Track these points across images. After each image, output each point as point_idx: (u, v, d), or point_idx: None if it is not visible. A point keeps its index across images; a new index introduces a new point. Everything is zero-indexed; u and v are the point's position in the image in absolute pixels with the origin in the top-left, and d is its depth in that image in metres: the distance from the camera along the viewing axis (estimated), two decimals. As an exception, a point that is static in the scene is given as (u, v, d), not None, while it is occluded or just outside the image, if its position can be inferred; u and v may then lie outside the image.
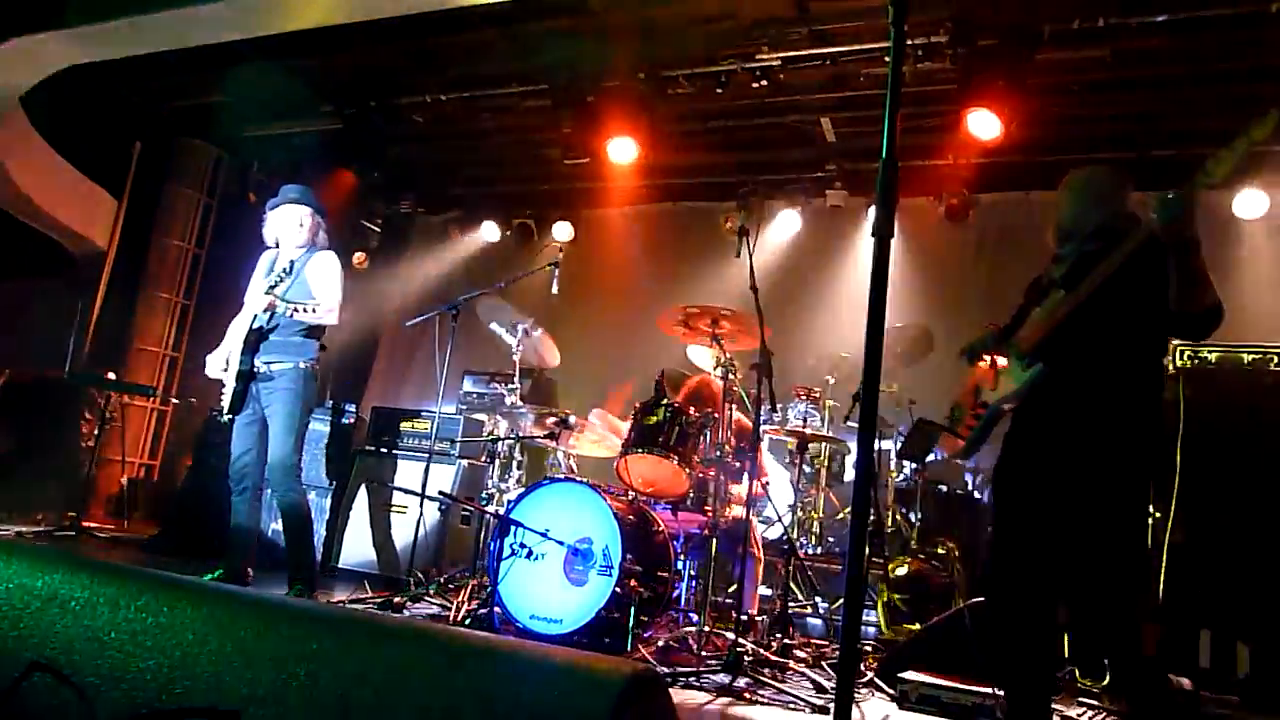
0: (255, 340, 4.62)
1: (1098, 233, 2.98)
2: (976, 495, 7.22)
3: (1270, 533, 4.48)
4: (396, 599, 4.91)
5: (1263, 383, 4.81)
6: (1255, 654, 4.48)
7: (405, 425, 6.48)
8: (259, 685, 1.06)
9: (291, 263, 4.69)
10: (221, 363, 4.73)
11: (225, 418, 4.74)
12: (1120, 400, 2.77)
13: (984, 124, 5.70)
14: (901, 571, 5.36)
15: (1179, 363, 5.04)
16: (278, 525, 5.91)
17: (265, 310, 4.54)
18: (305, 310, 4.48)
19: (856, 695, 3.91)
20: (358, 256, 8.97)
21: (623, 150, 6.73)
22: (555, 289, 5.43)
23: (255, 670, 1.07)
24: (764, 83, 6.24)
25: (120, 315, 8.12)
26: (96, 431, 6.81)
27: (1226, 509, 4.26)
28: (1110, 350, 2.80)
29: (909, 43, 5.73)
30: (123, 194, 8.16)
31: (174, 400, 7.78)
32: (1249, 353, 4.81)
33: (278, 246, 4.85)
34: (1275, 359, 4.92)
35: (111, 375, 7.09)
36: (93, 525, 6.77)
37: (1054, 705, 4.00)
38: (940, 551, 5.63)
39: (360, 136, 7.33)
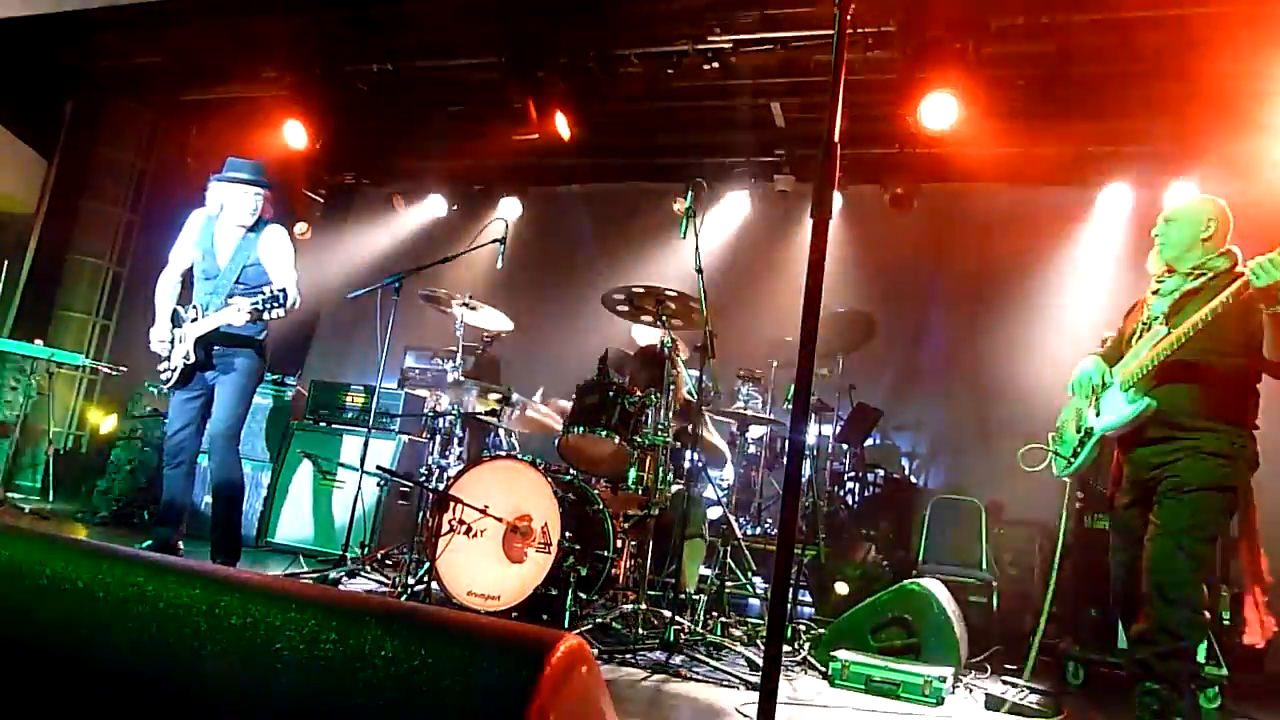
0: (211, 339, 4.51)
1: (1197, 269, 3.23)
2: (913, 479, 7.39)
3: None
4: (332, 574, 4.86)
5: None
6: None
7: (345, 399, 6.39)
8: (178, 653, 1.04)
9: (240, 241, 4.59)
10: (165, 335, 4.61)
11: (167, 390, 4.63)
12: (1218, 436, 3.08)
13: (930, 114, 5.77)
14: (837, 552, 5.46)
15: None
16: (209, 497, 5.81)
17: (246, 320, 4.38)
18: (282, 308, 4.33)
19: (790, 673, 3.98)
20: (300, 227, 8.78)
21: (570, 127, 6.68)
22: (500, 264, 5.37)
23: (175, 638, 1.05)
24: (715, 65, 6.24)
25: (48, 281, 7.85)
26: (23, 400, 6.60)
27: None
28: (1210, 389, 3.10)
29: (859, 30, 5.77)
30: (53, 155, 7.87)
31: (104, 369, 7.55)
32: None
33: (219, 210, 4.71)
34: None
35: (39, 342, 6.86)
36: (18, 497, 6.57)
37: (977, 682, 4.13)
38: (875, 533, 5.74)
39: (303, 104, 7.15)
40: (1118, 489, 3.42)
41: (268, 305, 4.29)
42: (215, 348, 4.55)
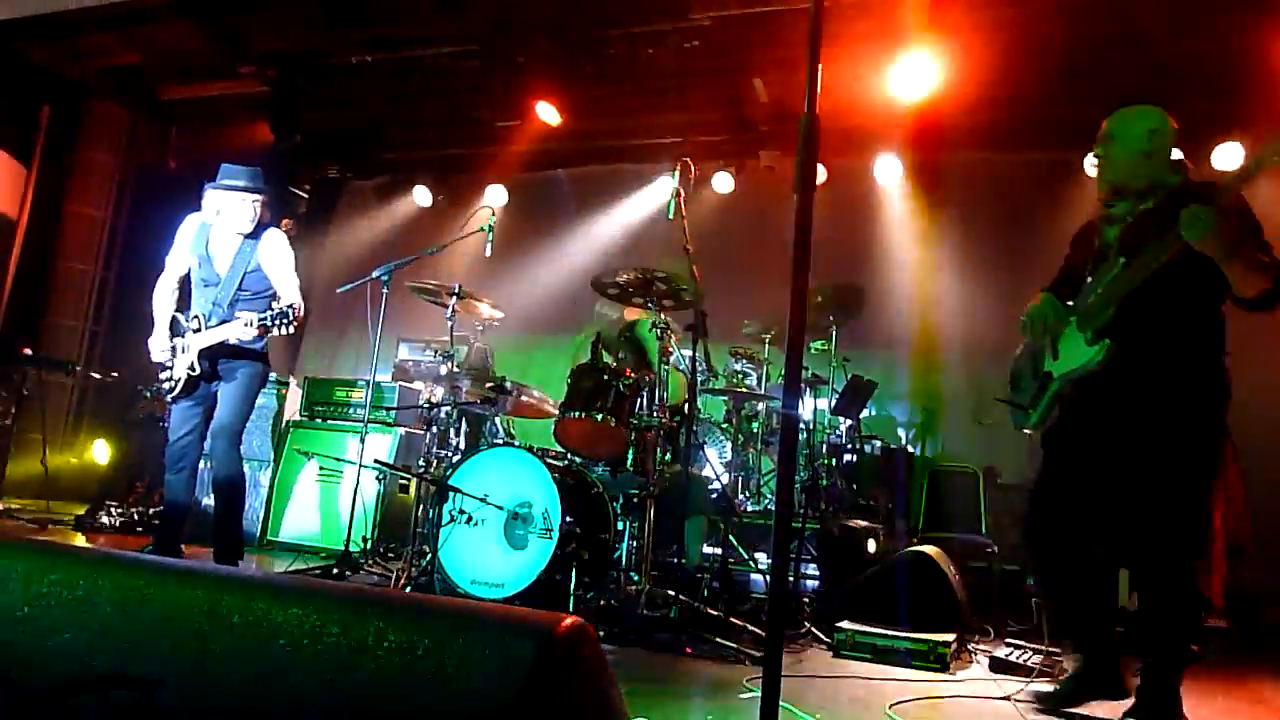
0: (215, 351, 4.47)
1: (1149, 190, 2.96)
2: (910, 449, 7.41)
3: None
4: (335, 569, 4.86)
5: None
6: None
7: (340, 395, 6.38)
8: (182, 654, 1.05)
9: (239, 247, 4.55)
10: (165, 346, 4.57)
11: (170, 400, 4.61)
12: (1187, 375, 2.83)
13: (911, 82, 5.75)
14: (838, 524, 5.48)
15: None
16: (209, 500, 5.80)
17: (254, 336, 4.36)
18: (291, 324, 4.28)
19: (794, 645, 4.01)
20: (285, 223, 8.72)
21: (553, 111, 6.65)
22: (489, 252, 5.36)
23: (177, 639, 1.05)
24: (696, 43, 6.21)
25: (34, 288, 7.80)
26: (14, 410, 6.58)
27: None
28: (1177, 325, 2.83)
29: (839, 2, 5.75)
30: (32, 161, 7.81)
31: (95, 375, 7.52)
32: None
33: (215, 216, 4.62)
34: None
35: (28, 351, 6.83)
36: (14, 506, 6.56)
37: (981, 645, 4.16)
38: (874, 504, 5.77)
39: (283, 99, 7.10)
40: (1061, 425, 3.08)
41: (276, 321, 4.25)
42: (220, 359, 4.52)
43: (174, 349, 4.55)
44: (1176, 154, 3.06)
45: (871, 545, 5.36)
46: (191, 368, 4.47)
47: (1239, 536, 3.07)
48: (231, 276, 4.54)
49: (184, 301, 4.72)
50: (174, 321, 4.61)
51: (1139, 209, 2.96)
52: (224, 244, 4.60)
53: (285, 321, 4.26)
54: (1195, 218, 2.56)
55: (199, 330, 4.48)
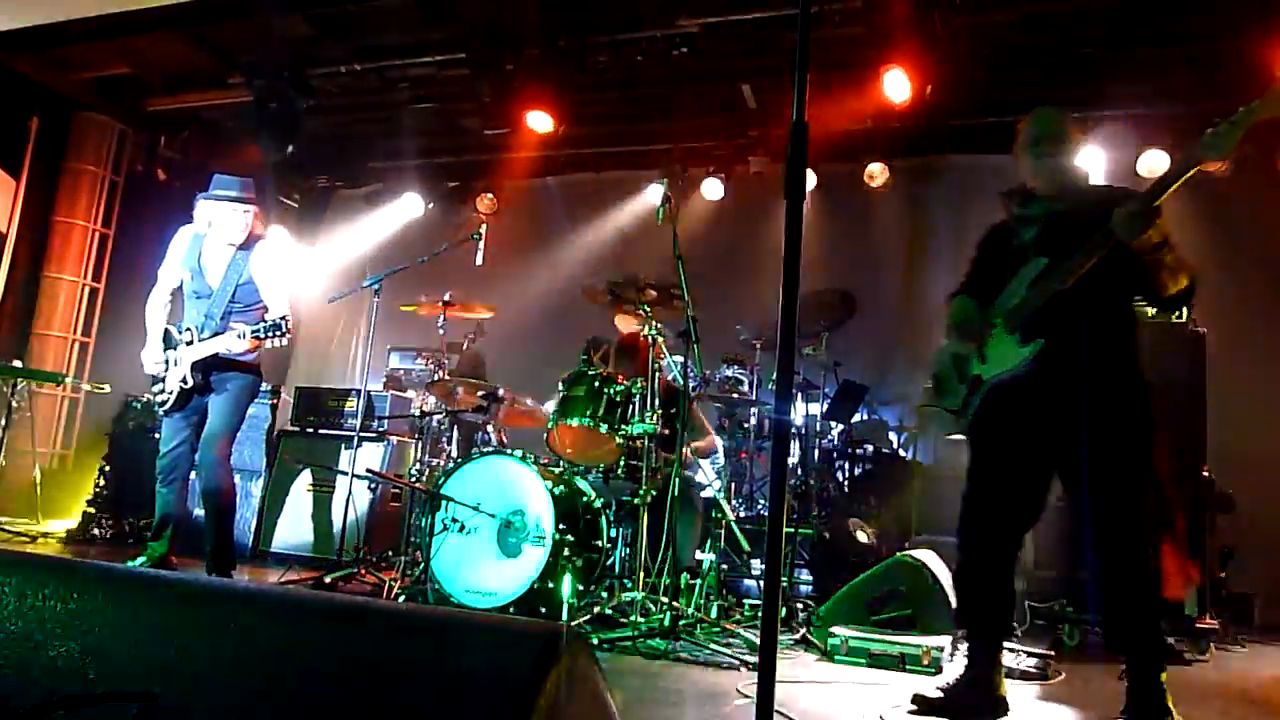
0: (208, 363, 4.46)
1: (1061, 191, 3.00)
2: (902, 453, 7.43)
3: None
4: (328, 579, 4.85)
5: (1166, 332, 5.10)
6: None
7: (331, 404, 6.37)
8: (176, 667, 1.04)
9: (231, 259, 4.55)
10: (159, 358, 4.56)
11: (162, 413, 4.59)
12: (1117, 371, 2.86)
13: (899, 88, 5.79)
14: (831, 530, 5.50)
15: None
16: (200, 511, 5.79)
17: (246, 348, 4.35)
18: (283, 336, 4.28)
19: (789, 651, 4.01)
20: (277, 231, 8.73)
21: (543, 119, 6.66)
22: (480, 260, 5.36)
23: (172, 652, 1.05)
24: (684, 50, 6.23)
25: (24, 300, 7.76)
26: (4, 422, 6.54)
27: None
28: (1103, 321, 2.86)
29: (826, 8, 5.77)
30: (20, 172, 7.78)
31: (85, 387, 7.48)
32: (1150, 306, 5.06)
33: (207, 228, 4.62)
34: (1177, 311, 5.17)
35: (17, 363, 6.80)
36: (5, 520, 6.52)
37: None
38: (867, 508, 5.78)
39: (272, 109, 7.09)
40: (990, 426, 3.07)
41: (269, 333, 4.25)
42: (212, 371, 4.50)
43: (167, 361, 4.54)
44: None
45: (862, 536, 5.38)
46: (184, 380, 4.46)
47: (1176, 525, 3.04)
48: (224, 288, 4.53)
49: (176, 314, 4.71)
50: (166, 334, 4.61)
51: (1053, 210, 2.99)
52: (216, 256, 4.59)
53: (278, 333, 4.26)
54: (1132, 218, 2.61)
55: (191, 343, 4.47)
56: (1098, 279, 2.79)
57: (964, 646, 3.05)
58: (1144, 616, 2.80)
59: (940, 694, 3.00)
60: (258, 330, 4.25)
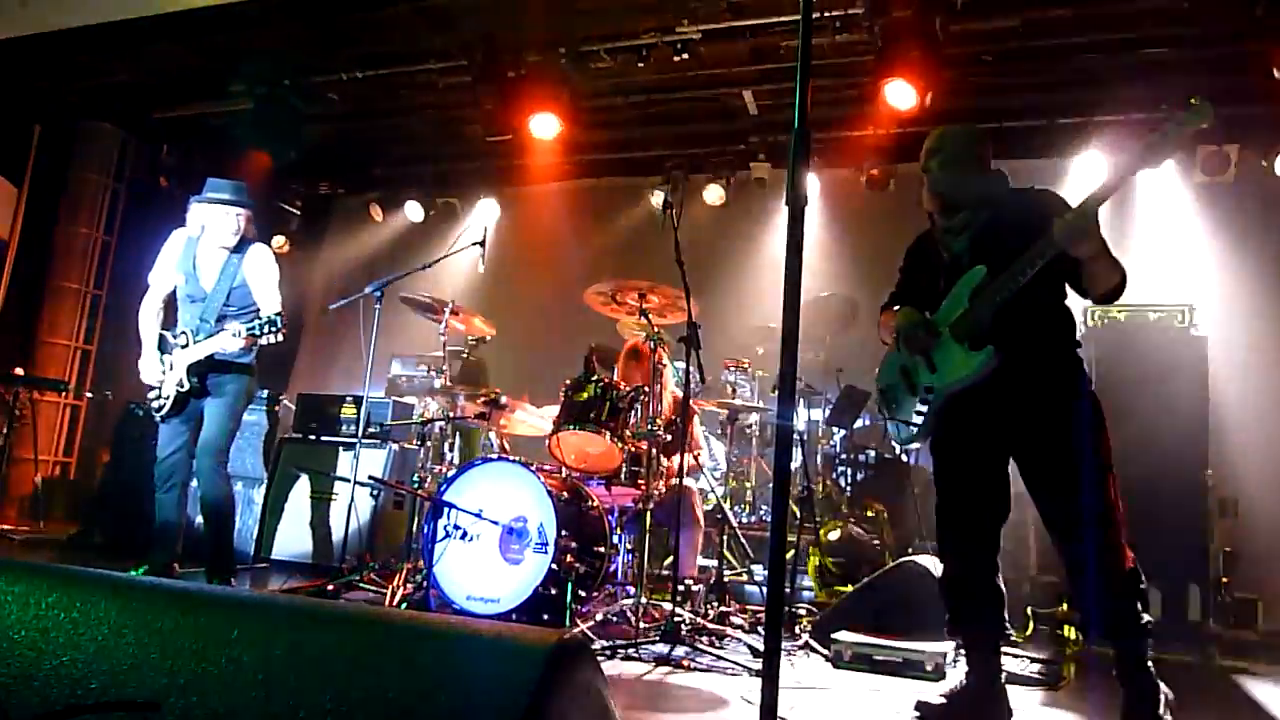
0: (203, 366, 4.46)
1: (982, 200, 3.05)
2: (904, 459, 7.41)
3: (1172, 473, 4.76)
4: (330, 586, 4.85)
5: (1169, 336, 5.12)
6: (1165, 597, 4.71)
7: (333, 411, 6.37)
8: (179, 675, 1.04)
9: (225, 262, 4.55)
10: (156, 366, 4.55)
11: (159, 419, 4.59)
12: (1065, 367, 2.95)
13: (901, 94, 5.80)
14: (833, 536, 5.49)
15: (1090, 323, 5.28)
16: (200, 518, 5.79)
17: (241, 347, 4.34)
18: (279, 332, 4.26)
19: (792, 657, 4.00)
20: (277, 241, 8.75)
21: (545, 126, 6.67)
22: (482, 267, 5.36)
23: (174, 660, 1.05)
24: (685, 56, 6.24)
25: (27, 308, 7.78)
26: (6, 430, 6.55)
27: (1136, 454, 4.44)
28: (1046, 323, 2.97)
29: (827, 14, 5.79)
30: (23, 181, 7.80)
31: (88, 394, 7.49)
32: (1153, 311, 5.11)
33: (200, 231, 4.63)
34: (1179, 316, 5.19)
35: (20, 371, 6.80)
36: (7, 527, 6.52)
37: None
38: (870, 514, 5.77)
39: (274, 117, 7.11)
40: (950, 433, 3.11)
41: (264, 330, 4.23)
42: (208, 374, 4.50)
43: (164, 367, 4.54)
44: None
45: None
46: (180, 384, 4.46)
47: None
48: (218, 291, 4.52)
49: (170, 319, 4.70)
50: (161, 340, 4.60)
51: (980, 218, 3.04)
52: (210, 259, 4.59)
53: (273, 330, 4.24)
54: (1073, 228, 2.66)
55: (186, 346, 4.47)
56: (1038, 282, 2.84)
57: (963, 655, 3.06)
58: (1126, 597, 2.81)
59: (944, 700, 3.00)
60: (253, 328, 4.23)
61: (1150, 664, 2.78)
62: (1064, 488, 2.86)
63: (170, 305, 4.73)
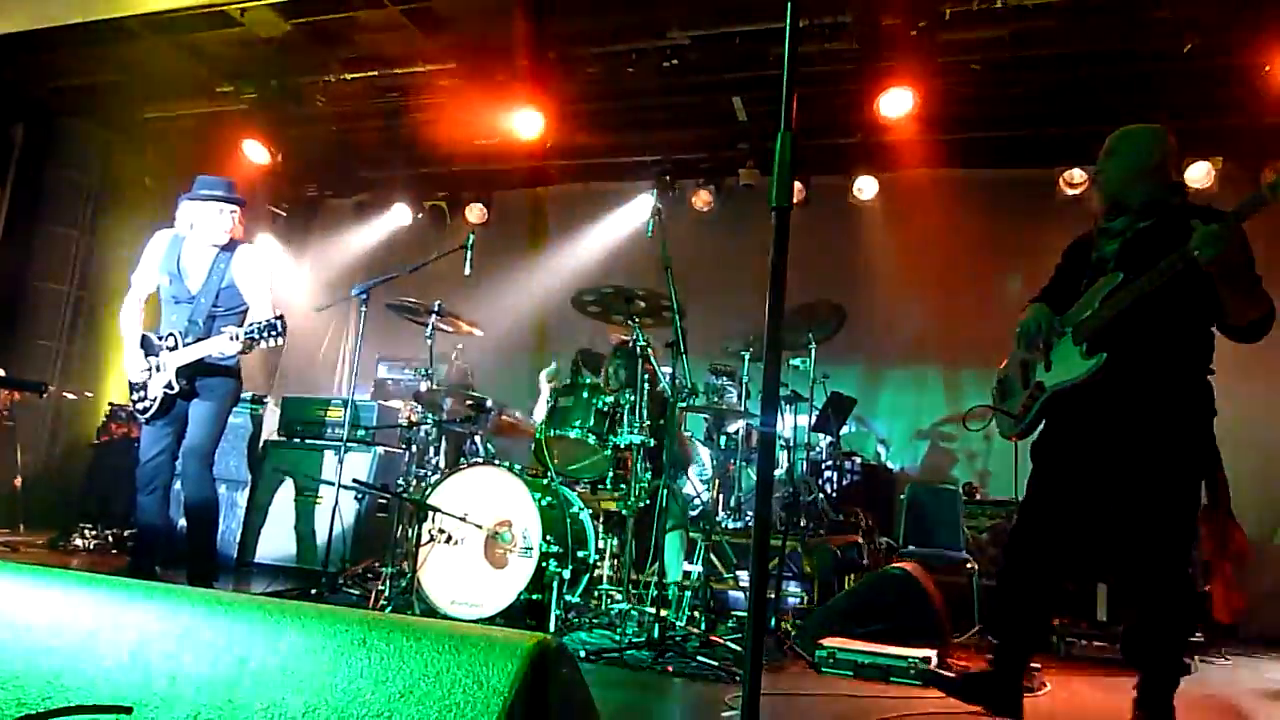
0: (193, 368, 4.35)
1: (1148, 207, 2.96)
2: (889, 466, 7.44)
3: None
4: (314, 590, 4.81)
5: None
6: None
7: (318, 414, 6.33)
8: (154, 677, 1.03)
9: (213, 262, 4.46)
10: (141, 366, 4.45)
11: (144, 420, 4.49)
12: (1179, 391, 2.85)
13: (888, 101, 5.83)
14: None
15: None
16: (184, 520, 5.74)
17: (238, 351, 4.24)
18: (279, 337, 4.15)
19: (776, 663, 4.00)
20: (266, 240, 8.71)
21: (533, 130, 6.67)
22: (469, 270, 5.34)
23: (151, 661, 1.04)
24: (674, 62, 6.25)
25: (8, 309, 7.71)
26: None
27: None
28: (1171, 342, 2.85)
29: (815, 22, 5.81)
30: (5, 181, 7.74)
31: (69, 395, 7.43)
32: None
33: (189, 230, 4.51)
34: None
35: (0, 371, 6.74)
36: (-14, 529, 6.46)
37: (963, 661, 4.17)
38: (855, 520, 5.78)
39: (260, 118, 7.08)
40: (1053, 438, 3.09)
41: (264, 334, 4.12)
42: (198, 376, 4.40)
43: (149, 368, 4.48)
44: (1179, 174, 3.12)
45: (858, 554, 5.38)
46: (169, 386, 4.36)
47: (1233, 548, 3.07)
48: (206, 292, 4.42)
49: (151, 321, 4.62)
50: (145, 340, 4.48)
51: (1138, 225, 2.97)
52: (197, 259, 4.49)
53: (274, 333, 4.13)
54: (1212, 236, 2.56)
55: (175, 348, 4.36)
56: (1171, 299, 2.76)
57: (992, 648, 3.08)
58: (1173, 636, 2.81)
59: (957, 677, 3.03)
60: (251, 331, 4.14)
61: (1173, 702, 2.77)
62: (1143, 513, 2.80)
63: (150, 306, 4.65)
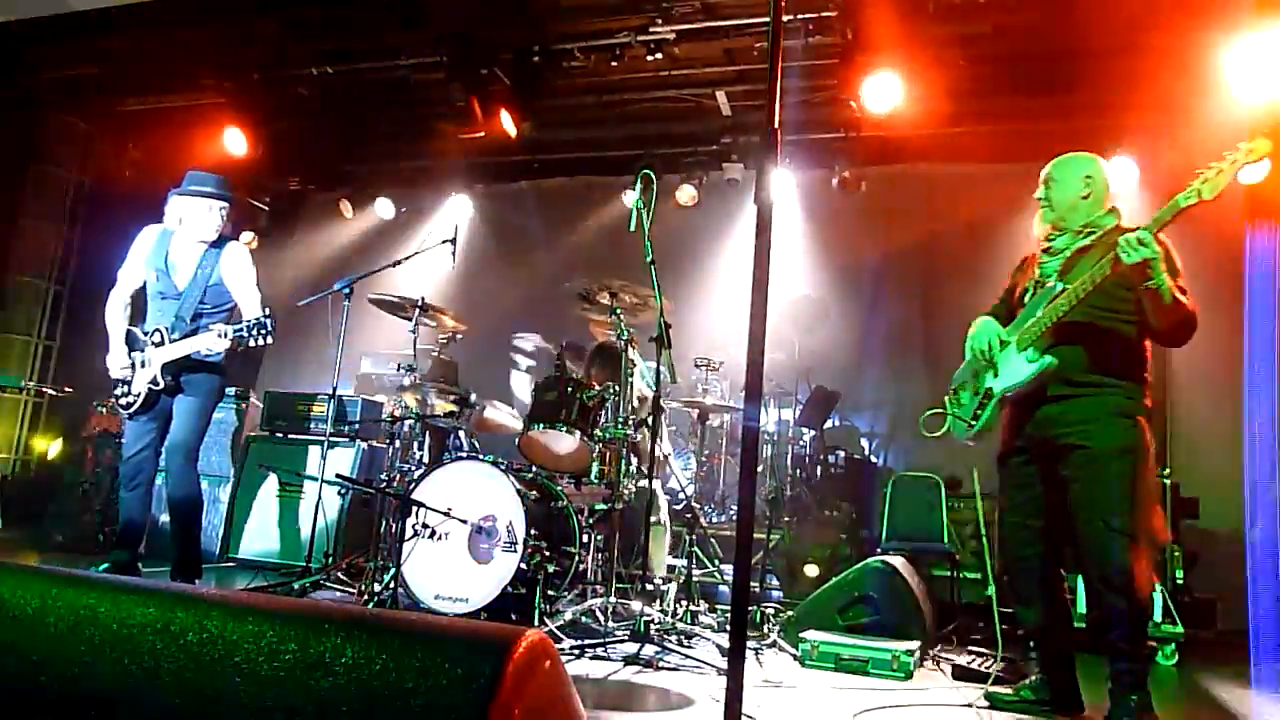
0: (178, 364, 4.33)
1: (1086, 229, 3.26)
2: (873, 459, 7.48)
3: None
4: (297, 585, 4.80)
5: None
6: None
7: (301, 409, 6.30)
8: (134, 673, 1.02)
9: (201, 259, 4.42)
10: (124, 362, 4.42)
11: (127, 416, 4.46)
12: (1117, 390, 3.12)
13: (873, 96, 5.84)
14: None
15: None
16: (165, 517, 5.71)
17: (225, 349, 4.23)
18: (268, 335, 4.11)
19: (760, 655, 4.02)
20: (247, 237, 8.64)
21: (519, 124, 6.65)
22: (452, 265, 5.33)
23: (130, 657, 1.03)
24: (659, 56, 6.24)
25: (-14, 302, 7.64)
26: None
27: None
28: (1107, 345, 3.12)
29: (799, 16, 5.81)
30: (-15, 173, 7.66)
31: (49, 391, 7.36)
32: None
33: (178, 225, 4.49)
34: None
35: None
36: (-36, 526, 6.40)
37: (944, 654, 4.21)
38: (838, 513, 5.80)
39: (243, 111, 7.03)
40: (1010, 446, 3.37)
41: (253, 332, 4.08)
42: (183, 372, 4.38)
43: (133, 364, 4.43)
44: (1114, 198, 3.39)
45: (812, 570, 5.42)
46: (154, 382, 4.34)
47: (1161, 538, 3.32)
48: (193, 288, 4.41)
49: (136, 318, 4.60)
50: (130, 336, 4.48)
51: (1077, 244, 3.26)
52: (185, 255, 4.48)
53: (264, 332, 4.08)
54: (1135, 242, 2.82)
55: (161, 344, 4.34)
56: (1107, 306, 3.06)
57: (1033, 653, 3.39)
58: (1139, 621, 3.05)
59: (1013, 692, 3.30)
60: (240, 331, 4.10)
61: (1148, 687, 2.99)
62: (1089, 512, 3.06)
63: (138, 302, 4.62)
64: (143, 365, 4.39)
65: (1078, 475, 3.09)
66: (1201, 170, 2.84)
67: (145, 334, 4.42)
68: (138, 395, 4.39)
